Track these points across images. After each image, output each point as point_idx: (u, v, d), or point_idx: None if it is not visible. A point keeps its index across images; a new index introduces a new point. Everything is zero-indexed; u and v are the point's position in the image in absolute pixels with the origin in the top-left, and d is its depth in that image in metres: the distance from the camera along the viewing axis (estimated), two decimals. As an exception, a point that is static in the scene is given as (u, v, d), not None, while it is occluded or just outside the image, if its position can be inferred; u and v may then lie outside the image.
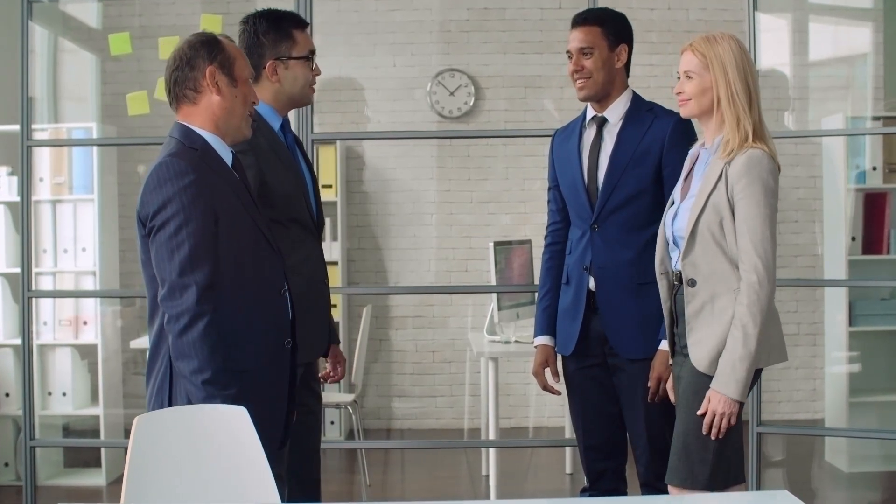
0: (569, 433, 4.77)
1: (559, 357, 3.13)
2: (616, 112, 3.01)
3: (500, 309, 4.71)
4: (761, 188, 2.51)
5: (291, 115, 2.98)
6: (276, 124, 2.83)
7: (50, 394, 4.86)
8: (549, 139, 3.23)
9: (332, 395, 5.00)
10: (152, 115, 3.97)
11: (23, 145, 3.94)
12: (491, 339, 4.84)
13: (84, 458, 5.09)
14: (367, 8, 6.16)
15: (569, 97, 4.94)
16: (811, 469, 5.18)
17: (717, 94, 2.59)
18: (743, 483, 2.62)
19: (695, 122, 2.76)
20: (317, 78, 2.91)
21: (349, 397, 4.91)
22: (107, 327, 5.01)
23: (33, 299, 4.29)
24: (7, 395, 4.83)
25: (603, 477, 3.08)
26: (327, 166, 5.82)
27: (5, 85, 4.37)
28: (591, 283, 2.99)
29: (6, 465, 4.85)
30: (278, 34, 2.82)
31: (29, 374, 3.99)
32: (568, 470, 5.02)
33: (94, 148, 4.89)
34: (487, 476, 4.73)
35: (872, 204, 5.06)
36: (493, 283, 4.87)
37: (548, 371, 3.14)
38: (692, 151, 2.74)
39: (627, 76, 3.05)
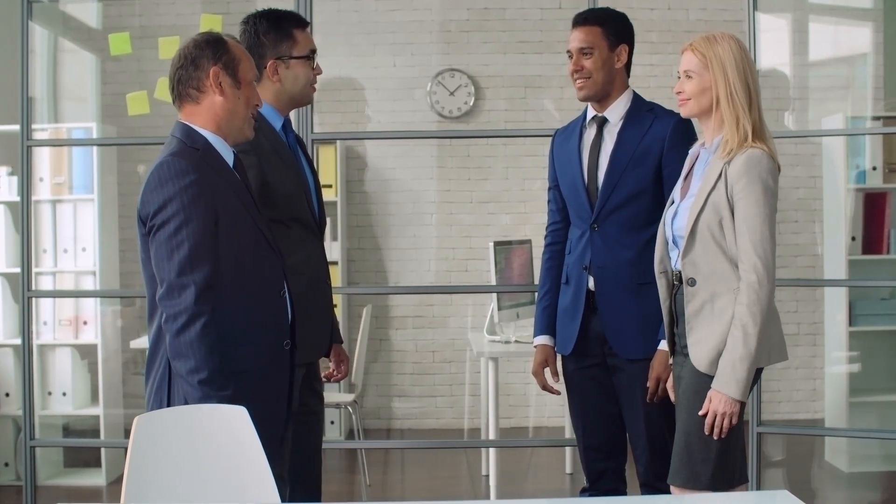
0: (569, 433, 4.76)
1: (559, 357, 3.13)
2: (616, 112, 3.01)
3: (500, 309, 4.71)
4: (761, 188, 2.51)
5: (291, 114, 2.98)
6: (277, 124, 2.83)
7: (50, 394, 4.86)
8: (549, 139, 3.23)
9: (332, 394, 5.00)
10: (152, 115, 3.97)
11: (23, 145, 3.93)
12: (491, 338, 4.84)
13: (84, 458, 5.09)
14: (367, 8, 6.16)
15: (569, 97, 4.94)
16: (811, 469, 5.18)
17: (716, 94, 2.59)
18: (746, 482, 2.63)
19: (695, 121, 2.77)
20: (317, 77, 2.91)
21: (349, 397, 4.92)
22: (107, 327, 5.01)
23: (33, 299, 4.29)
24: (7, 395, 4.83)
25: (603, 477, 3.08)
26: (327, 166, 5.82)
27: (5, 85, 4.37)
28: (591, 283, 2.99)
29: (6, 465, 4.85)
30: (279, 34, 2.82)
31: (29, 374, 3.99)
32: (568, 470, 5.02)
33: (94, 148, 4.89)
34: (487, 476, 4.73)
35: (872, 204, 5.06)
36: (493, 283, 4.87)
37: (547, 371, 3.14)
38: (692, 151, 2.74)
39: (628, 76, 3.05)
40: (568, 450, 5.00)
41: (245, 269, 2.40)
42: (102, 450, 4.89)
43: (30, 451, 3.98)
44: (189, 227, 2.28)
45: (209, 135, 2.41)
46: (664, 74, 5.61)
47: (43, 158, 4.83)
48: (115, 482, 4.73)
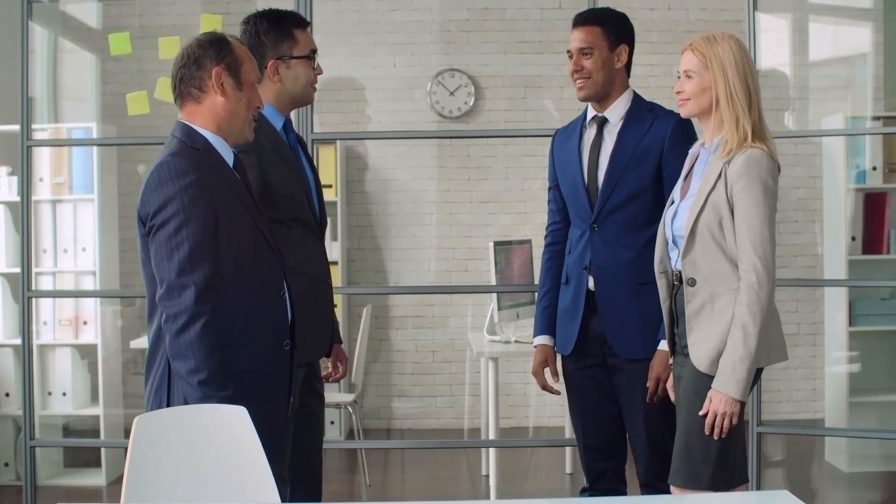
0: (569, 433, 4.76)
1: (559, 357, 3.13)
2: (616, 112, 3.01)
3: (500, 309, 4.71)
4: (761, 188, 2.51)
5: (292, 114, 2.99)
6: (278, 124, 2.83)
7: (50, 394, 4.86)
8: (549, 139, 3.23)
9: (332, 394, 4.99)
10: (152, 115, 3.97)
11: (23, 145, 3.93)
12: (491, 338, 4.84)
13: (84, 458, 5.09)
14: (367, 8, 6.16)
15: (569, 97, 4.94)
16: (811, 469, 5.18)
17: (715, 94, 2.59)
18: (746, 482, 2.63)
19: (695, 121, 2.77)
20: (318, 77, 2.91)
21: (349, 397, 4.91)
22: (107, 327, 5.01)
23: (33, 299, 4.29)
24: (7, 395, 4.83)
25: (603, 477, 3.08)
26: (327, 166, 5.82)
27: (5, 85, 4.37)
28: (591, 283, 2.99)
29: (6, 465, 4.85)
30: (279, 34, 2.82)
31: (29, 373, 3.99)
32: (568, 470, 5.02)
33: (94, 148, 4.89)
34: (487, 476, 4.73)
35: (872, 204, 5.06)
36: (493, 283, 4.87)
37: (547, 371, 3.14)
38: (692, 151, 2.74)
39: (628, 76, 3.05)
40: (568, 450, 5.00)
41: (245, 270, 2.40)
42: (102, 450, 4.89)
43: (30, 451, 3.98)
44: (189, 227, 2.28)
45: (209, 135, 2.41)
46: (664, 74, 5.61)
47: (43, 158, 4.83)
48: (115, 482, 4.73)
